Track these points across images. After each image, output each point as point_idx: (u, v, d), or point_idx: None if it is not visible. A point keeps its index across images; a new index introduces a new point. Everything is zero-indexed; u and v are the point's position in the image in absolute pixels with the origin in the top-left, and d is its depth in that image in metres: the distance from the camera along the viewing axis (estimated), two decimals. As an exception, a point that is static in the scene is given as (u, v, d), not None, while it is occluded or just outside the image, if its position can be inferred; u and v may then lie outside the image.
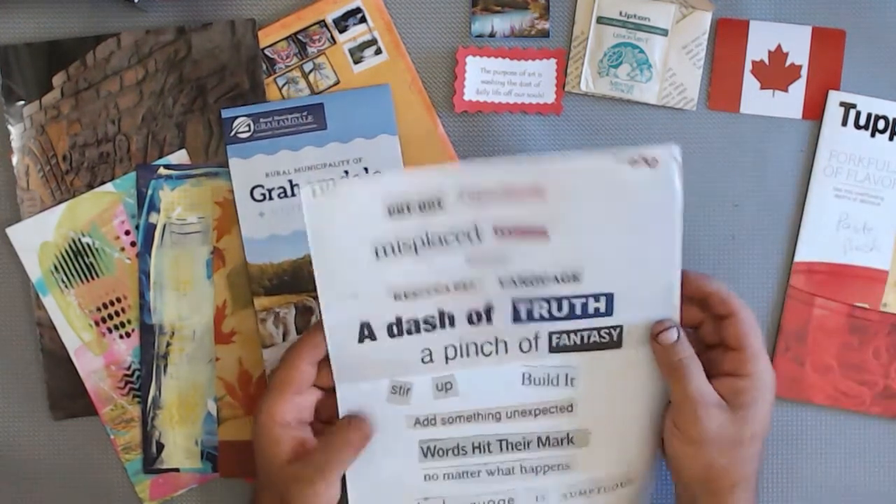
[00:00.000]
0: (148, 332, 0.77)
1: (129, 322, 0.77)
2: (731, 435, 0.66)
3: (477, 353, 0.69)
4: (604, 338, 0.69)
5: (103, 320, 0.77)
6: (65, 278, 0.77)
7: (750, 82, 0.78)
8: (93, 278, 0.77)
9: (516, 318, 0.68)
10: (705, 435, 0.66)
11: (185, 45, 0.77)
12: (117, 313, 0.77)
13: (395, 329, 0.67)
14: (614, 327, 0.69)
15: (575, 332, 0.69)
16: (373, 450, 0.69)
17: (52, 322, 0.77)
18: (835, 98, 0.78)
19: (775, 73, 0.78)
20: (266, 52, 0.77)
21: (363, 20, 0.77)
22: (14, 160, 0.77)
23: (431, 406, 0.70)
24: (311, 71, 0.77)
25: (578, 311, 0.68)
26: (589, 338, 0.69)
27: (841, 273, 0.78)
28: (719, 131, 0.78)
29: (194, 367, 0.77)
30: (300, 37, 0.77)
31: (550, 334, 0.69)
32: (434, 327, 0.68)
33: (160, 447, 0.78)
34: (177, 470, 0.78)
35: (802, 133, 0.78)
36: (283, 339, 0.77)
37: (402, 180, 0.65)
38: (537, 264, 0.66)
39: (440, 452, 0.70)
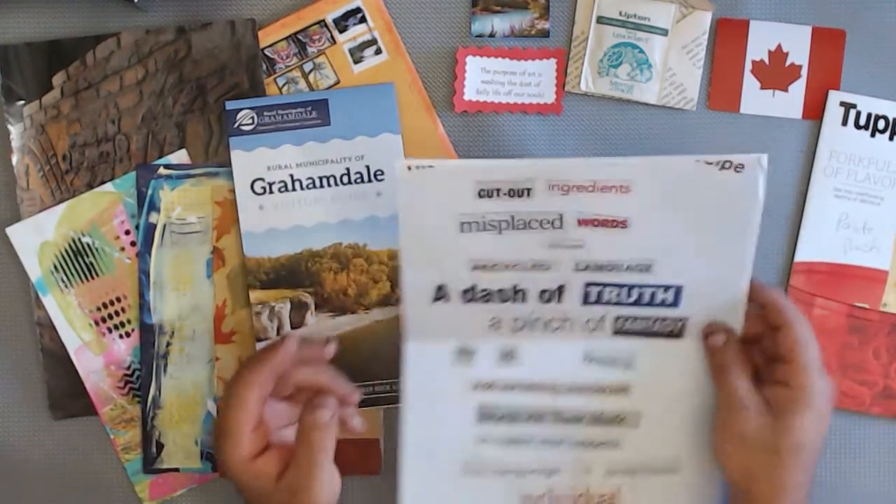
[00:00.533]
0: (148, 332, 0.77)
1: (128, 322, 0.77)
2: (770, 442, 0.67)
3: (544, 327, 0.71)
4: (667, 328, 0.71)
5: (103, 320, 0.77)
6: (65, 278, 0.77)
7: (750, 82, 0.78)
8: (93, 278, 0.77)
9: (586, 300, 0.70)
10: (742, 435, 0.67)
11: (185, 45, 0.77)
12: (117, 313, 0.77)
13: (469, 294, 0.70)
14: (678, 319, 0.70)
15: (640, 318, 0.70)
16: (431, 409, 0.72)
17: (52, 322, 0.77)
18: (835, 98, 0.78)
19: (775, 72, 0.78)
20: (266, 51, 0.77)
21: (363, 20, 0.77)
22: (14, 160, 0.77)
23: (493, 372, 0.71)
24: (311, 71, 0.77)
25: (647, 299, 0.70)
26: (653, 325, 0.71)
27: (841, 273, 0.78)
28: (719, 131, 0.78)
29: (194, 367, 0.77)
30: (300, 37, 0.77)
31: (616, 318, 0.71)
32: (507, 300, 0.70)
33: (160, 447, 0.78)
34: (176, 470, 0.78)
35: (802, 133, 0.78)
36: (277, 333, 0.77)
37: (495, 168, 0.68)
38: (614, 253, 0.69)
39: (495, 418, 0.72)
